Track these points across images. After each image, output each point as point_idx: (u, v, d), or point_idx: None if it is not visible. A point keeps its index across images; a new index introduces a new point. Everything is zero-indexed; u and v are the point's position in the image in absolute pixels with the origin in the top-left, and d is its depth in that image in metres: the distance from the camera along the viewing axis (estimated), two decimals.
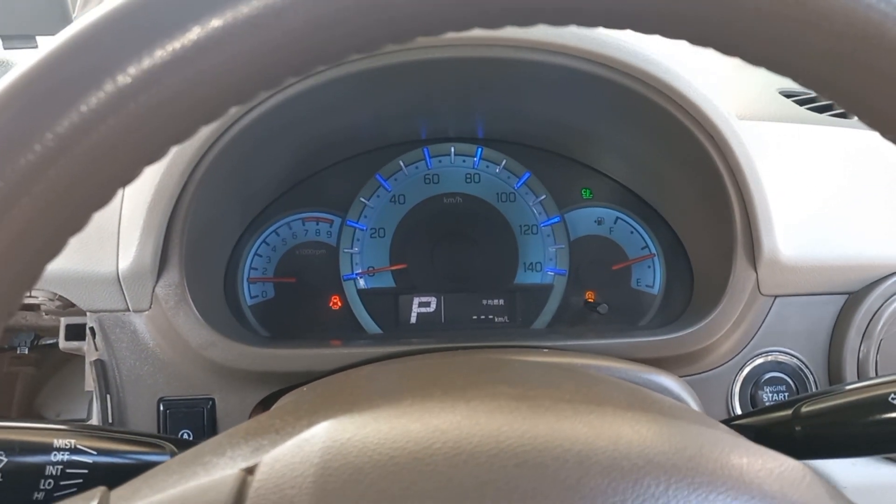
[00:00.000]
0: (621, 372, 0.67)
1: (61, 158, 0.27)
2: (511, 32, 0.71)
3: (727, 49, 0.31)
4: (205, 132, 0.70)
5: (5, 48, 0.98)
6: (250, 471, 0.33)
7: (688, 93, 0.73)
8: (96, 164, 0.28)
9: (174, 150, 0.70)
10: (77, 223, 0.29)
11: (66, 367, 1.10)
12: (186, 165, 0.71)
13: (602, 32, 0.73)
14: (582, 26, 0.31)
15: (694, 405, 0.65)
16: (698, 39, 0.30)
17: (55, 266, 0.71)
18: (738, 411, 0.80)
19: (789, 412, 0.60)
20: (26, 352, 0.96)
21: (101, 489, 0.37)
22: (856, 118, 1.02)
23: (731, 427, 0.55)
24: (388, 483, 0.31)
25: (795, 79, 0.31)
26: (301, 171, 0.95)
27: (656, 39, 0.30)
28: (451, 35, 0.28)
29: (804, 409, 0.59)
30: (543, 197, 0.99)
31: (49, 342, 0.95)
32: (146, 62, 0.27)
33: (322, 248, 0.97)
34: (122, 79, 0.27)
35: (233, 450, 0.38)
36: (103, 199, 0.30)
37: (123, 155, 0.28)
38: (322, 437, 0.34)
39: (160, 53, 0.27)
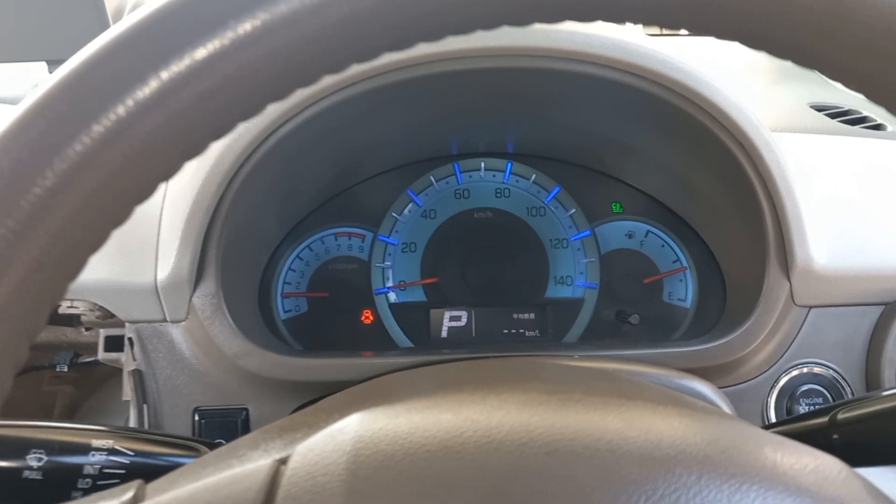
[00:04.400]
0: (655, 377, 0.66)
1: (106, 150, 0.28)
2: (541, 40, 0.71)
3: (754, 41, 0.31)
4: (244, 141, 0.71)
5: (50, 73, 1.02)
6: (283, 461, 0.33)
7: (719, 101, 0.72)
8: (139, 157, 0.29)
9: (213, 160, 0.72)
10: (119, 215, 0.30)
11: (105, 385, 1.11)
12: (224, 176, 0.72)
13: (632, 41, 0.73)
14: (605, 21, 0.31)
15: (728, 411, 0.64)
16: (726, 32, 0.30)
17: (96, 276, 0.75)
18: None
19: (825, 419, 0.58)
20: (66, 369, 0.96)
21: (137, 482, 0.37)
22: (890, 129, 1.03)
23: None
24: (419, 470, 0.31)
25: (824, 71, 0.31)
26: (335, 185, 0.95)
27: (685, 47, 0.30)
28: (480, 45, 0.29)
29: (841, 416, 0.57)
30: (573, 211, 0.98)
31: (88, 360, 0.95)
32: (187, 59, 0.28)
33: (354, 263, 0.96)
34: (165, 74, 0.28)
35: (266, 444, 0.38)
36: (145, 192, 0.30)
37: (164, 148, 0.29)
38: (354, 427, 0.35)
39: (201, 51, 0.28)
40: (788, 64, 0.32)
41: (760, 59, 1.32)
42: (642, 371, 0.66)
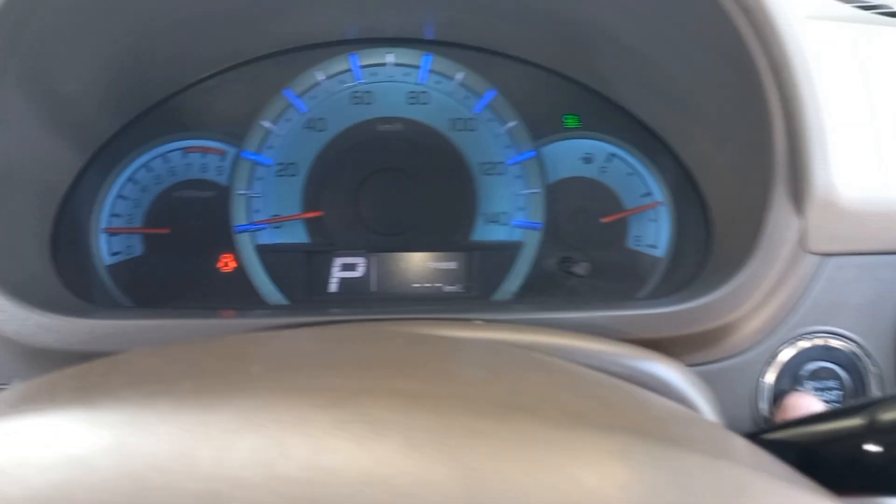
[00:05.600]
0: (600, 357, 0.51)
1: None
2: None
3: None
4: None
5: None
6: None
7: None
8: None
9: None
10: None
11: None
12: None
13: None
14: None
15: (706, 409, 0.52)
16: None
17: None
18: (768, 415, 0.67)
19: (861, 421, 0.46)
20: None
21: None
22: None
23: (763, 444, 0.43)
24: None
25: None
26: (166, 81, 0.78)
27: None
28: None
29: (885, 417, 0.45)
30: (513, 124, 0.84)
31: None
32: None
33: (209, 189, 0.80)
34: None
35: None
36: None
37: None
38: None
39: None
40: None
41: None
42: (581, 347, 0.51)
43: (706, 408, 0.53)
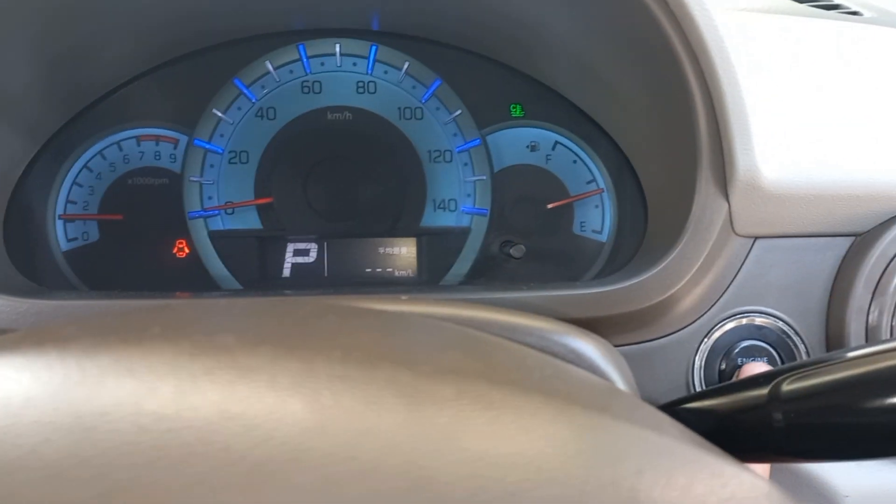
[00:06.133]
0: (514, 330, 0.49)
1: None
2: None
3: None
4: None
5: None
6: None
7: None
8: None
9: None
10: None
11: None
12: None
13: None
14: None
15: (620, 382, 0.50)
16: None
17: None
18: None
19: (764, 392, 0.46)
20: None
21: None
22: (867, 14, 0.83)
23: (674, 414, 0.45)
24: None
25: None
26: (114, 71, 0.76)
27: None
28: None
29: (786, 388, 0.46)
30: (459, 112, 0.82)
31: None
32: None
33: (163, 177, 0.79)
34: None
35: None
36: None
37: None
38: None
39: None
40: None
41: None
42: (497, 319, 0.49)
43: (620, 380, 0.51)
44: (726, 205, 0.63)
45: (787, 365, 0.52)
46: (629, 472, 0.23)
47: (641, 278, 0.62)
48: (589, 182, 0.82)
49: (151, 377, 0.22)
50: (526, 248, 0.79)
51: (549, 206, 0.82)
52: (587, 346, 0.49)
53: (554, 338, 0.48)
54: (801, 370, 0.46)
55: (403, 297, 0.52)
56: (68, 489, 0.18)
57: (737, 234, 0.64)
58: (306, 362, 0.24)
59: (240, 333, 0.27)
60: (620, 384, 0.49)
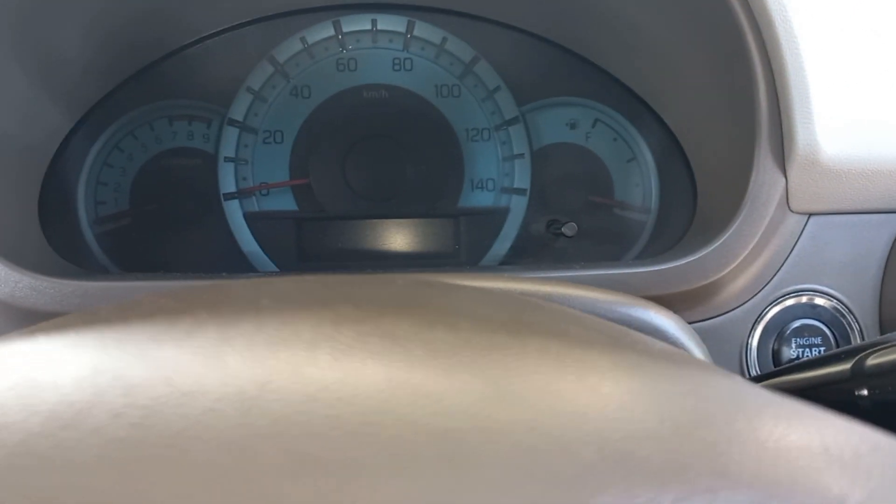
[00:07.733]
0: (593, 304, 0.50)
1: None
2: None
3: None
4: None
5: None
6: None
7: None
8: None
9: None
10: None
11: None
12: None
13: None
14: None
15: (702, 357, 0.51)
16: None
17: None
18: (756, 372, 0.67)
19: (847, 367, 0.47)
20: None
21: None
22: None
23: None
24: None
25: None
26: (155, 42, 0.75)
27: None
28: None
29: (871, 363, 0.46)
30: (498, 89, 0.81)
31: None
32: None
33: (196, 157, 0.78)
34: None
35: None
36: None
37: None
38: None
39: None
40: None
41: None
42: (573, 294, 0.50)
43: (700, 354, 0.52)
44: (784, 181, 0.62)
45: (867, 341, 0.52)
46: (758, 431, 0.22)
47: (697, 256, 0.61)
48: (630, 160, 0.81)
49: (302, 345, 0.21)
50: (565, 223, 0.78)
51: (591, 198, 0.81)
52: (671, 325, 0.49)
53: (638, 316, 0.48)
54: (886, 346, 0.46)
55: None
56: (243, 458, 0.17)
57: (792, 211, 0.64)
58: (455, 331, 0.23)
59: (358, 304, 0.26)
60: (699, 356, 0.50)
